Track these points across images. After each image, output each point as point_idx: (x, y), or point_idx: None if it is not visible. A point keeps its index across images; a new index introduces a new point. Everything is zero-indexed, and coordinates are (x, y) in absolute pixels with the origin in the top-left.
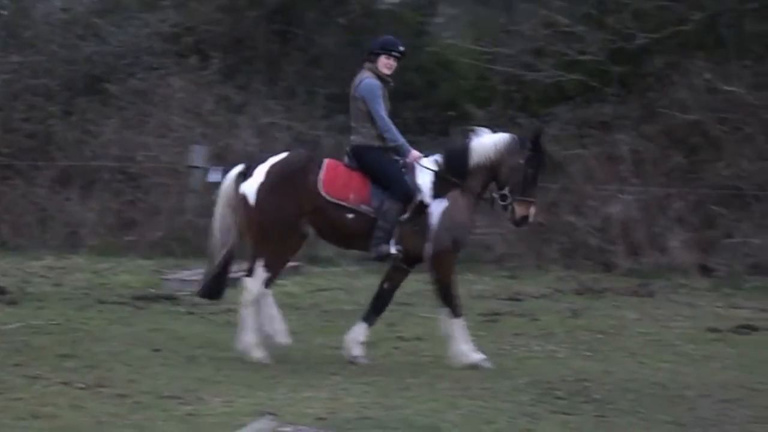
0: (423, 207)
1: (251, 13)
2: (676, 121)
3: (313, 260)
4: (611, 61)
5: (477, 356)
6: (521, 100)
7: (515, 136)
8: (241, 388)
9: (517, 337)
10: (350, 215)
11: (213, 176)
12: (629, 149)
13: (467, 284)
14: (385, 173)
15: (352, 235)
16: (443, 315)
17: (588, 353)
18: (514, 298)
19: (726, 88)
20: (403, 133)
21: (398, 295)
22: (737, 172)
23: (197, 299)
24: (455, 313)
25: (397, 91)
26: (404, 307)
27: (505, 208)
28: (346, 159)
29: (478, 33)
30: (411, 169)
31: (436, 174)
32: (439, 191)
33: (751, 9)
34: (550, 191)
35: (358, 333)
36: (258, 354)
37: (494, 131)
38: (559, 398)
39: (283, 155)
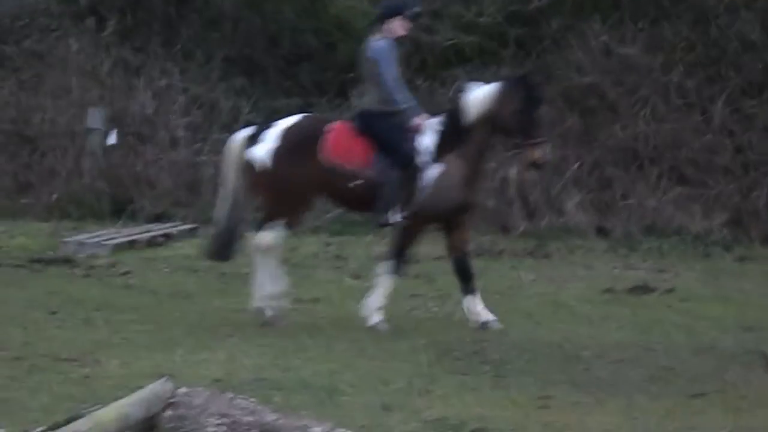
0: (420, 169)
1: None
2: (572, 84)
3: (211, 222)
4: (508, 23)
5: (377, 319)
6: (419, 63)
7: (504, 82)
8: (139, 350)
9: (414, 299)
10: (353, 181)
11: (110, 139)
12: None
13: (368, 246)
14: (388, 138)
15: (357, 199)
16: (382, 266)
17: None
18: (412, 260)
19: (622, 50)
20: (301, 94)
21: (296, 257)
22: (633, 134)
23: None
24: (396, 269)
25: (295, 54)
26: (301, 269)
27: (517, 154)
28: (353, 123)
29: None
30: (418, 132)
31: (441, 135)
32: (440, 153)
33: None
34: None
35: (473, 305)
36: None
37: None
38: (457, 359)
39: (295, 119)
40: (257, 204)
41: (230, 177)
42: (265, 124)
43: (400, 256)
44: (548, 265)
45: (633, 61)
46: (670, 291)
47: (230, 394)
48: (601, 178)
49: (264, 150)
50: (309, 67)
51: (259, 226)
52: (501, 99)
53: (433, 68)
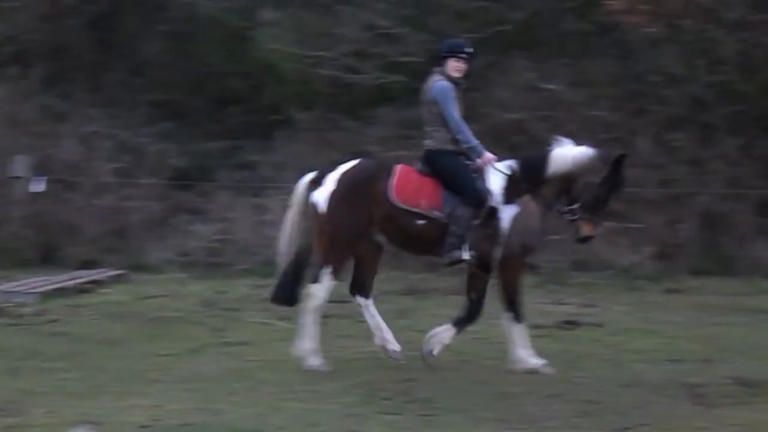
0: (494, 211)
1: (72, 21)
2: (498, 120)
3: (139, 268)
4: (433, 62)
5: (536, 361)
6: (346, 103)
7: (598, 151)
8: (66, 398)
9: (343, 339)
10: (421, 221)
11: (37, 186)
12: None
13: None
14: (457, 178)
15: (423, 241)
16: (506, 319)
17: (413, 353)
18: (342, 301)
19: (546, 86)
20: (228, 137)
21: (225, 300)
22: None
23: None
24: (518, 318)
25: (222, 97)
26: (231, 312)
27: (571, 222)
28: (418, 164)
29: (301, 37)
30: (483, 172)
31: (509, 178)
32: (510, 196)
33: (568, 8)
34: None
35: (445, 335)
36: (315, 362)
37: (578, 144)
38: (385, 398)
39: (354, 162)
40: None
41: (294, 220)
42: (328, 167)
43: (515, 304)
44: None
45: (558, 97)
46: (598, 325)
47: None
48: None
49: (322, 194)
50: (236, 109)
51: (315, 275)
52: (589, 167)
53: (359, 107)
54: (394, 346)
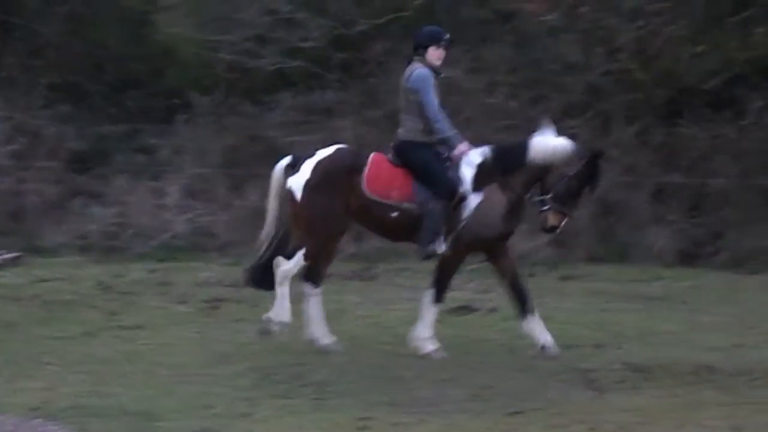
0: (462, 198)
1: None
2: (396, 107)
3: (36, 250)
4: (333, 47)
5: (432, 346)
6: (245, 88)
7: (575, 145)
8: None
9: (238, 323)
10: (394, 213)
11: None
12: (352, 135)
13: (193, 271)
14: (428, 170)
15: (397, 231)
16: (425, 295)
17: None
18: (237, 285)
19: (445, 73)
20: (127, 121)
21: (121, 283)
22: None
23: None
24: (437, 299)
25: (121, 80)
26: (127, 295)
27: (540, 212)
28: (390, 155)
29: (201, 21)
30: (457, 161)
31: (480, 165)
32: (479, 184)
33: None
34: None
35: (534, 327)
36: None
37: (559, 134)
38: (279, 382)
39: (330, 150)
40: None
41: (272, 205)
42: (305, 153)
43: (442, 285)
44: (374, 287)
45: (457, 84)
46: (492, 311)
47: (39, 422)
48: None
49: (298, 181)
50: (135, 93)
51: (288, 253)
52: (565, 159)
53: (259, 93)
54: (326, 339)
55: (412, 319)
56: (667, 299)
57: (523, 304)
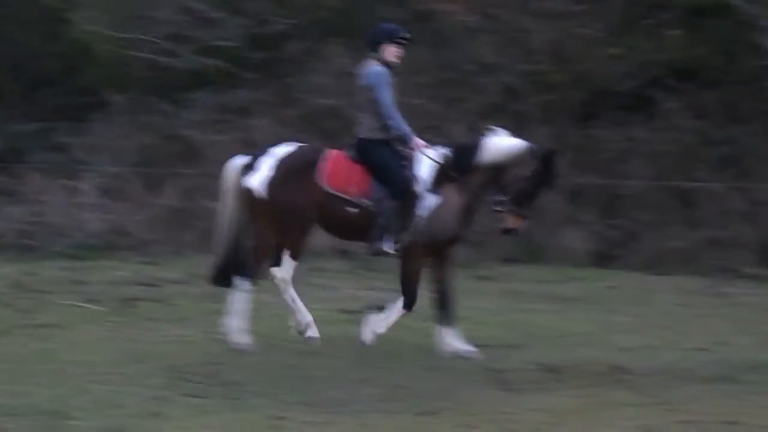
0: (418, 197)
1: None
2: (313, 106)
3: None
4: (250, 46)
5: (368, 337)
6: (161, 86)
7: (531, 145)
8: None
9: (151, 323)
10: (353, 209)
11: None
12: (269, 134)
13: (108, 270)
14: (385, 168)
15: (353, 228)
16: (397, 300)
17: (221, 337)
18: (152, 284)
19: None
20: (42, 119)
21: (35, 281)
22: None
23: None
24: (406, 306)
25: (37, 78)
26: (40, 294)
27: (497, 213)
28: (350, 151)
29: (117, 19)
30: (413, 158)
31: (440, 167)
32: (437, 184)
33: None
34: (189, 177)
35: (450, 338)
36: (313, 333)
37: (513, 134)
38: (192, 381)
39: (288, 148)
40: (256, 230)
41: (228, 204)
42: (260, 152)
43: (410, 291)
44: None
45: None
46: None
47: None
48: None
49: (259, 179)
50: (51, 91)
51: (274, 260)
52: (521, 159)
53: (175, 91)
54: (241, 338)
55: (328, 319)
56: (582, 300)
57: (443, 315)
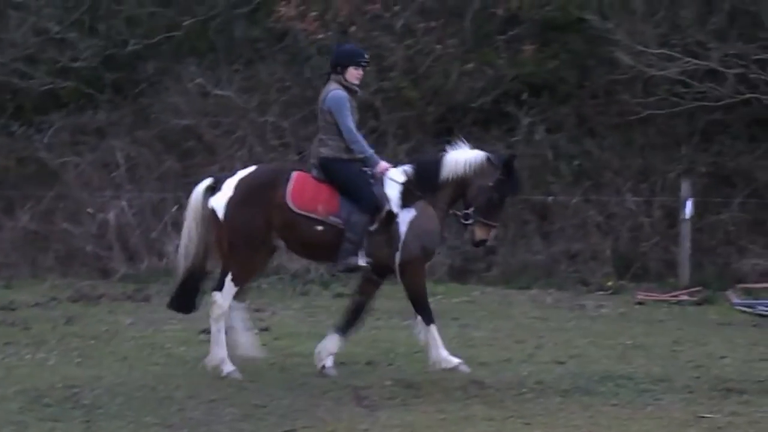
0: (392, 216)
1: None
2: (169, 126)
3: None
4: (104, 67)
5: (455, 360)
6: (15, 108)
7: (489, 155)
8: None
9: (7, 347)
10: (319, 227)
11: None
12: (123, 155)
13: None
14: (352, 185)
15: (321, 246)
16: (417, 324)
17: (79, 359)
18: (8, 308)
19: (218, 92)
20: None
21: None
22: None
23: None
24: (428, 320)
25: None
26: None
27: (465, 226)
28: (313, 171)
29: None
30: (379, 179)
31: (404, 185)
32: (407, 201)
33: (239, 14)
34: (45, 199)
35: (331, 344)
36: (229, 368)
37: (472, 147)
38: (48, 405)
39: (251, 169)
40: (217, 255)
41: (191, 227)
42: (226, 173)
43: (424, 306)
44: (148, 308)
45: (229, 103)
46: (265, 330)
47: None
48: None
49: (220, 200)
50: None
51: (217, 283)
52: (481, 170)
53: (30, 113)
54: (255, 352)
55: (185, 339)
56: (439, 315)
57: (347, 326)
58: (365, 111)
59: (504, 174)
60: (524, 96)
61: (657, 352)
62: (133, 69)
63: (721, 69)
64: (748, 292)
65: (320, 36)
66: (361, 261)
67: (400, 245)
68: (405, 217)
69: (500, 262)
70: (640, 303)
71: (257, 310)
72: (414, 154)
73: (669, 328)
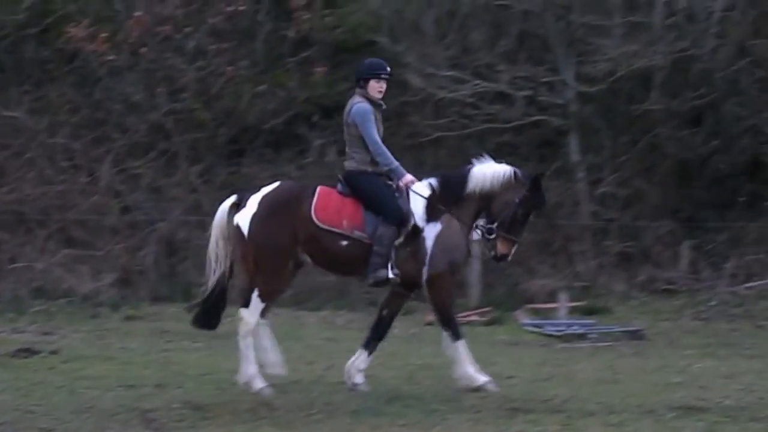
0: (417, 230)
1: None
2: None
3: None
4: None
5: (482, 378)
6: None
7: (516, 171)
8: None
9: None
10: (344, 242)
11: None
12: None
13: None
14: (378, 198)
15: (347, 261)
16: (445, 339)
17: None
18: None
19: (6, 113)
20: None
21: None
22: (20, 197)
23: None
24: (456, 336)
25: None
26: None
27: (488, 240)
28: (338, 186)
29: None
30: (404, 192)
31: (429, 198)
32: (432, 215)
33: (29, 34)
34: None
35: (360, 361)
36: (260, 384)
37: (498, 161)
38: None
39: (275, 185)
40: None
41: (215, 243)
42: (250, 190)
43: (451, 321)
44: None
45: (18, 124)
46: (54, 353)
47: None
48: None
49: (244, 216)
50: None
51: (244, 299)
52: (508, 185)
53: None
54: (280, 369)
55: None
56: (230, 337)
57: (374, 341)
58: (156, 132)
59: (530, 190)
60: (315, 118)
61: (445, 373)
62: None
63: (510, 91)
64: (537, 312)
65: (111, 57)
66: (391, 274)
67: (427, 260)
68: (431, 232)
69: (293, 285)
70: (429, 324)
71: (46, 333)
72: (206, 175)
73: None
